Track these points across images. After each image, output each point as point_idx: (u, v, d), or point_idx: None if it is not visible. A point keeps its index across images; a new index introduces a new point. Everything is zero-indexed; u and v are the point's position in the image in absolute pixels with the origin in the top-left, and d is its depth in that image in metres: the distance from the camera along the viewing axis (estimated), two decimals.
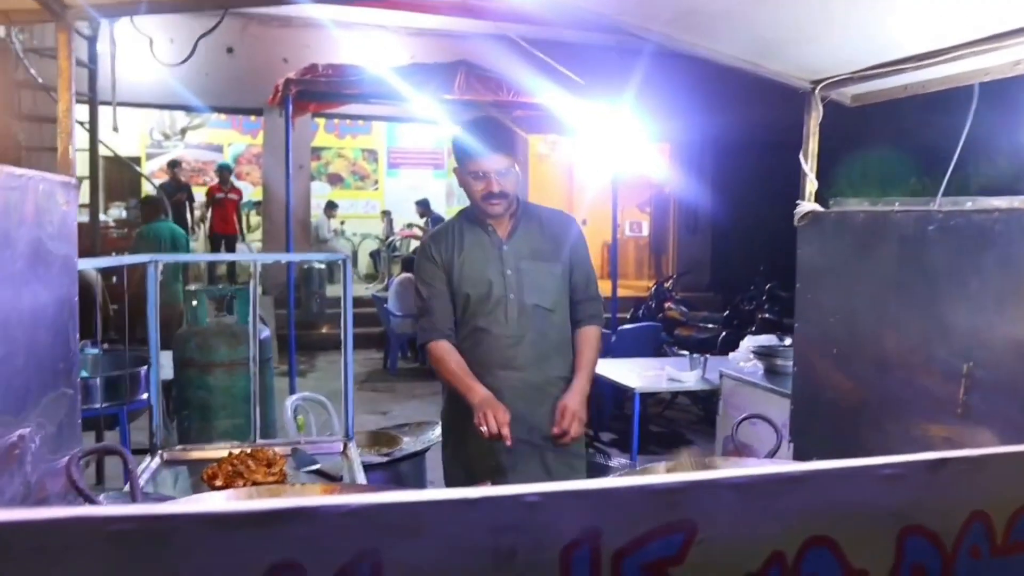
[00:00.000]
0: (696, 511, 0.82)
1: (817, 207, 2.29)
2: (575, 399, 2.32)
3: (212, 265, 11.16)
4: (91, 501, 1.43)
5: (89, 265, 2.29)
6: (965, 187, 2.13)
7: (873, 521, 0.91)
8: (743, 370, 4.10)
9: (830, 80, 2.20)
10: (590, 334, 2.46)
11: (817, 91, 2.24)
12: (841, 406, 2.21)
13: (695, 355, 4.83)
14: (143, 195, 10.96)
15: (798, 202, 2.28)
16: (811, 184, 2.27)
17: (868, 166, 8.70)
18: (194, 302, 3.68)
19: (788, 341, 4.36)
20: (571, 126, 7.28)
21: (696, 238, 13.33)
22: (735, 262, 11.55)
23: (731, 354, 4.58)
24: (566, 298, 2.46)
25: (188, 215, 11.48)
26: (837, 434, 2.25)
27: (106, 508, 0.66)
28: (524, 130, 7.75)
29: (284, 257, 5.34)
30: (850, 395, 2.16)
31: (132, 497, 1.52)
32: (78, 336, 1.77)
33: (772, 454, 1.89)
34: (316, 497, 0.71)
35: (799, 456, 2.33)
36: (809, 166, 2.25)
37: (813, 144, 2.27)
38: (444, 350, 2.39)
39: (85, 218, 6.73)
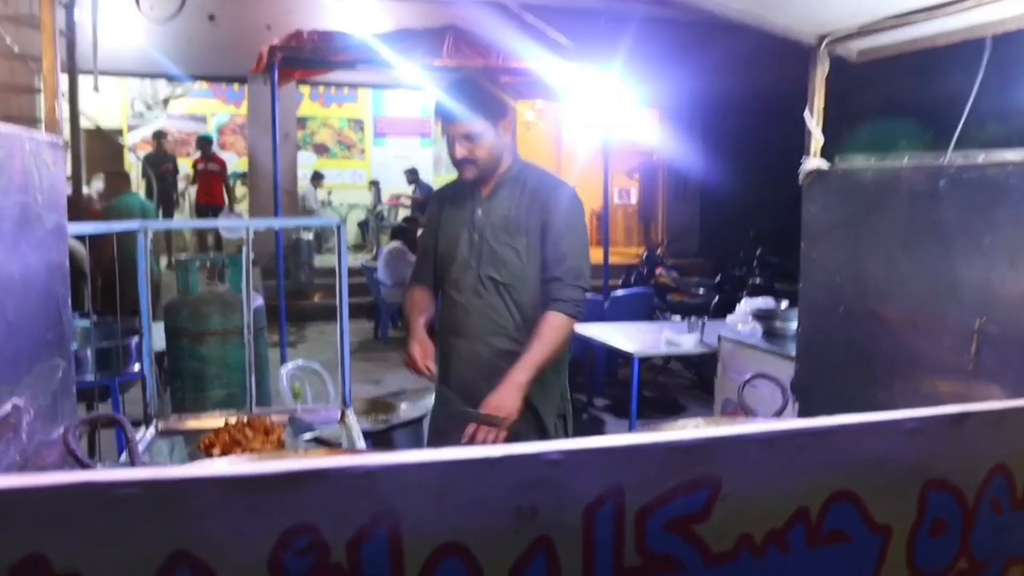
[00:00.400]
0: (721, 467, 0.81)
1: (823, 164, 2.25)
2: (499, 396, 2.09)
3: (201, 237, 11.08)
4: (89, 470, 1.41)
5: (77, 231, 2.24)
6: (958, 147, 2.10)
7: (896, 475, 0.90)
8: (741, 333, 4.11)
9: (837, 34, 2.16)
10: (546, 322, 2.17)
11: (823, 46, 2.19)
12: (848, 365, 2.20)
13: (693, 318, 4.83)
14: (116, 169, 10.84)
15: (803, 159, 2.24)
16: (816, 141, 2.23)
17: (857, 129, 8.69)
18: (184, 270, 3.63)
19: (784, 304, 4.36)
20: (560, 91, 7.19)
21: (685, 205, 13.34)
22: (723, 228, 11.57)
23: (728, 317, 4.57)
24: (535, 273, 2.25)
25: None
26: (844, 393, 2.24)
27: (113, 472, 0.64)
28: (513, 96, 7.65)
29: (277, 223, 5.27)
30: (858, 353, 2.15)
31: (132, 465, 1.49)
32: (71, 305, 1.73)
33: (778, 414, 1.87)
34: (332, 459, 0.68)
35: (804, 416, 2.32)
36: (815, 122, 2.21)
37: (819, 101, 2.22)
38: (409, 294, 2.45)
39: (68, 190, 6.63)
